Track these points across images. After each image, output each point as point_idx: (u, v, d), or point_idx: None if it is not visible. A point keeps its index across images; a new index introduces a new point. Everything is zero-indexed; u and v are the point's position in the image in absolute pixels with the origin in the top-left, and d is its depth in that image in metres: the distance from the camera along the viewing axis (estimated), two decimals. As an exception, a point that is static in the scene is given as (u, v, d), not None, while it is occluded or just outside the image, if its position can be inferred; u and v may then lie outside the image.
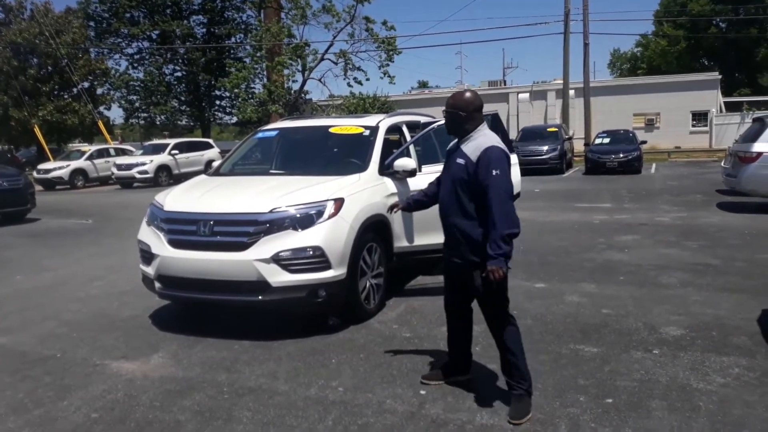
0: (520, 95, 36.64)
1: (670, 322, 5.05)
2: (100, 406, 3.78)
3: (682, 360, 4.23)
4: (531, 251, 8.04)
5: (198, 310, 5.64)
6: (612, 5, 65.84)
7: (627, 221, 10.56)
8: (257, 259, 4.64)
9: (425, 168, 5.82)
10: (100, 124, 32.24)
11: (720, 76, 34.23)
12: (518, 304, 5.68)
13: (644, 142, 22.30)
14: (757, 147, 10.76)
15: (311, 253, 4.71)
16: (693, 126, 33.93)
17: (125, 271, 7.68)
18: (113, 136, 35.66)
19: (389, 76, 32.80)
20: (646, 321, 5.08)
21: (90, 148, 27.21)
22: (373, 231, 5.27)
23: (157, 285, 5.08)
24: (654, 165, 23.87)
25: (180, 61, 37.64)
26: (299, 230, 4.74)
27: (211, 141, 28.33)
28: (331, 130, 6.22)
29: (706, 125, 33.57)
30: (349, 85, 32.88)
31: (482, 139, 3.48)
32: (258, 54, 33.70)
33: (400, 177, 5.66)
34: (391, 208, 4.42)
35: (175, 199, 5.25)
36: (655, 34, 49.34)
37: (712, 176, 18.89)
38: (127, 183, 23.62)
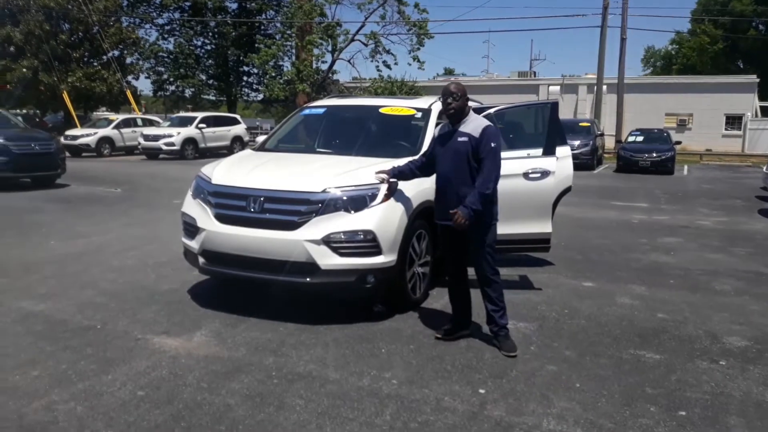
0: (551, 87, 36.04)
1: (732, 331, 4.81)
2: (145, 383, 3.64)
3: (752, 374, 4.00)
4: (571, 247, 7.81)
5: (239, 288, 5.48)
6: (648, 1, 64.31)
7: (667, 222, 10.26)
8: (307, 240, 4.47)
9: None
10: (128, 93, 32.19)
11: (758, 80, 33.36)
12: (568, 302, 5.49)
13: (679, 143, 21.81)
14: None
15: (363, 237, 4.52)
16: (726, 129, 33.20)
17: (159, 243, 7.58)
18: (139, 106, 35.65)
19: (419, 61, 32.46)
20: (706, 329, 4.85)
21: (117, 117, 27.17)
22: (423, 218, 5.06)
23: (201, 260, 4.92)
24: (686, 167, 23.38)
25: (210, 34, 37.46)
26: (352, 212, 4.55)
27: (238, 117, 28.18)
28: (381, 110, 6.00)
29: (739, 129, 32.82)
30: (377, 68, 32.62)
31: (479, 120, 4.30)
32: (288, 31, 33.46)
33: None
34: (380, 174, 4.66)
35: (223, 173, 5.07)
36: (691, 33, 48.23)
37: (749, 181, 18.48)
38: (153, 154, 23.57)
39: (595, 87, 29.13)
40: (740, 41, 44.63)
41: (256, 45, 34.32)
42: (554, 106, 5.83)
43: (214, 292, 5.54)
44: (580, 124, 23.55)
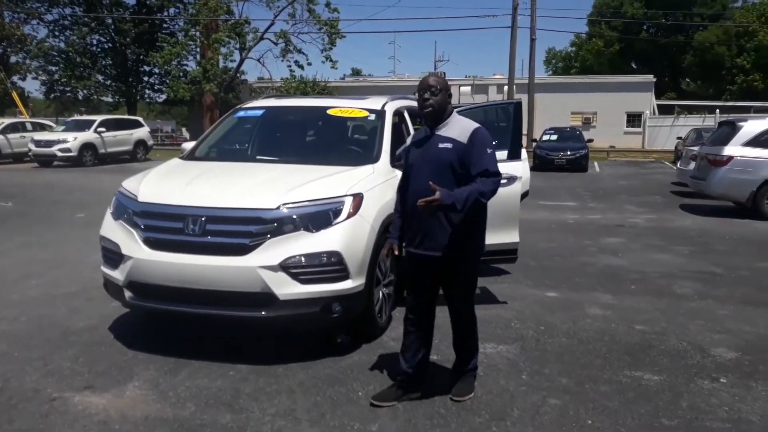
0: (462, 88, 36.33)
1: (715, 342, 4.57)
2: (70, 463, 2.84)
3: (758, 392, 3.72)
4: (521, 252, 7.43)
5: (172, 322, 4.66)
6: (550, 3, 66.88)
7: (601, 222, 10.24)
8: (262, 266, 3.77)
9: None
10: (14, 95, 29.47)
11: (654, 79, 35.24)
12: (540, 317, 5.09)
13: (591, 140, 22.43)
14: (729, 150, 10.66)
15: (327, 259, 3.88)
16: (627, 126, 34.81)
17: (66, 267, 6.56)
18: (27, 109, 32.70)
19: (331, 61, 31.87)
20: (689, 341, 4.58)
21: (2, 121, 24.69)
22: (388, 232, 4.48)
23: (128, 294, 4.09)
24: (596, 163, 24.11)
25: (107, 31, 34.97)
26: (313, 231, 3.89)
27: (141, 119, 26.36)
28: (329, 112, 5.35)
29: (639, 126, 34.50)
30: (289, 68, 31.72)
31: (464, 121, 3.44)
32: (193, 29, 31.85)
33: (415, 170, 4.90)
34: (394, 250, 3.56)
35: (151, 188, 4.25)
36: (588, 35, 50.45)
37: (658, 177, 19.26)
38: (46, 161, 21.52)
39: (506, 87, 29.59)
40: (633, 43, 47.16)
41: (158, 43, 32.41)
42: (518, 105, 5.42)
43: (142, 327, 4.70)
44: (499, 124, 23.66)
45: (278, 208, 3.88)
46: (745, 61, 43.05)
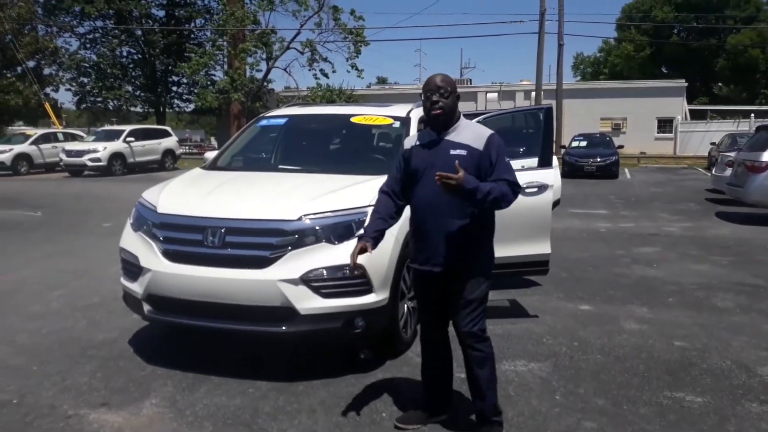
0: (489, 95, 36.09)
1: (761, 360, 4.30)
2: (81, 487, 2.73)
3: (812, 416, 3.45)
4: (552, 263, 7.19)
5: (191, 335, 4.55)
6: (578, 7, 66.27)
7: (634, 231, 9.92)
8: (283, 279, 3.63)
9: None
10: (47, 106, 30.00)
11: (686, 84, 34.51)
12: (573, 331, 4.87)
13: (621, 147, 22.00)
14: (767, 156, 10.27)
15: (350, 272, 3.72)
16: (658, 132, 34.12)
17: (89, 278, 6.52)
18: (60, 119, 33.34)
19: (357, 69, 31.86)
20: (733, 359, 4.31)
21: (35, 132, 25.17)
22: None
23: (147, 307, 3.99)
24: (626, 170, 23.62)
25: (137, 43, 35.52)
26: (335, 243, 3.75)
27: (168, 129, 26.68)
28: (353, 119, 5.21)
29: (671, 132, 33.78)
30: (315, 77, 31.78)
31: (475, 126, 3.21)
32: (221, 40, 32.16)
33: (440, 179, 4.73)
34: (361, 252, 3.09)
35: (171, 199, 4.16)
36: (618, 40, 49.73)
37: (691, 183, 18.76)
38: (77, 171, 21.87)
39: (533, 93, 29.27)
40: (663, 47, 46.36)
41: (186, 54, 32.79)
42: (548, 111, 5.22)
43: (162, 341, 4.61)
44: (527, 130, 23.38)
45: (299, 219, 3.75)
46: (779, 64, 42.03)
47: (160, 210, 4.04)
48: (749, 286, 6.33)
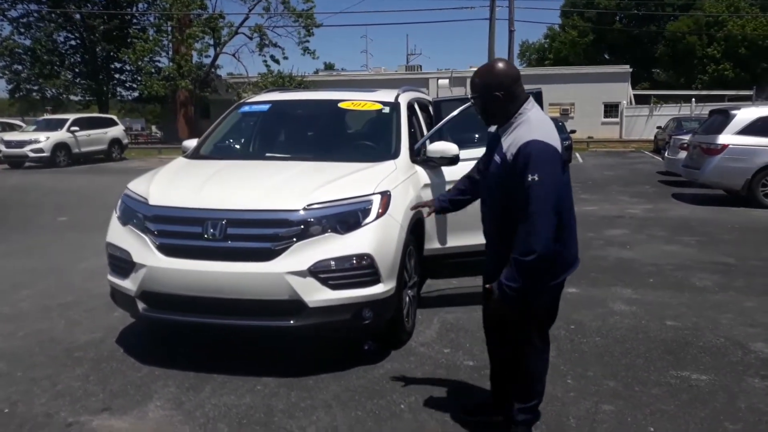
0: (440, 81, 36.16)
1: (750, 336, 4.43)
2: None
3: (813, 390, 3.57)
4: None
5: (183, 331, 4.35)
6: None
7: (599, 213, 10.11)
8: (290, 272, 3.50)
9: (462, 152, 4.73)
10: (-20, 95, 28.45)
11: (631, 70, 35.45)
12: (565, 313, 4.85)
13: (573, 131, 22.44)
14: (723, 139, 10.64)
15: (358, 263, 3.62)
16: (605, 117, 35.00)
17: (56, 276, 6.17)
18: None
19: (310, 52, 31.50)
20: (726, 336, 4.44)
21: (-31, 122, 23.84)
22: (413, 232, 4.24)
23: (141, 305, 3.78)
24: (577, 154, 24.12)
25: (75, 28, 33.93)
26: (342, 233, 3.63)
27: (115, 117, 25.66)
28: (340, 105, 5.07)
29: (616, 116, 34.71)
30: (265, 63, 31.24)
31: (522, 129, 2.63)
32: (166, 25, 31.13)
33: (435, 165, 4.67)
34: (419, 208, 3.40)
35: (163, 190, 3.94)
36: (562, 27, 50.67)
37: (642, 166, 19.35)
38: (17, 162, 20.77)
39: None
40: (606, 34, 47.49)
41: (130, 40, 31.58)
42: (538, 96, 5.18)
43: (152, 339, 4.39)
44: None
45: (304, 209, 3.61)
46: (715, 50, 43.62)
47: (152, 202, 3.82)
48: (722, 265, 6.54)
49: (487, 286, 2.70)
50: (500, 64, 2.79)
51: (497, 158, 2.69)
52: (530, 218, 2.50)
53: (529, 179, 2.48)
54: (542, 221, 2.50)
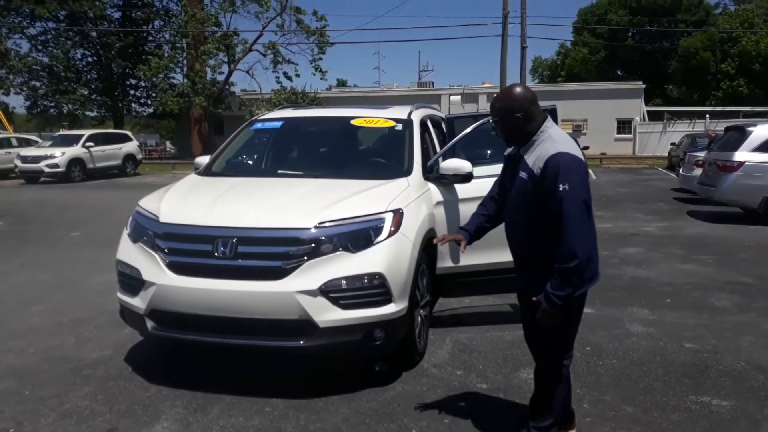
0: (452, 97, 36.24)
1: (773, 359, 4.31)
2: None
3: (839, 417, 3.45)
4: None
5: (189, 349, 4.31)
6: (537, 11, 67.37)
7: (614, 231, 9.99)
8: (300, 291, 3.45)
9: (476, 170, 4.66)
10: (-2, 110, 28.88)
11: (644, 86, 35.32)
12: (581, 335, 4.62)
13: (587, 148, 22.29)
14: (739, 156, 10.50)
15: (370, 282, 3.57)
16: (618, 133, 34.85)
17: (68, 291, 6.17)
18: (11, 124, 32.06)
19: (321, 71, 31.69)
20: (746, 359, 4.32)
21: (-14, 138, 24.13)
22: (424, 250, 4.18)
23: (150, 323, 3.75)
24: (591, 171, 23.96)
25: (91, 45, 34.42)
26: (354, 252, 3.58)
27: (129, 133, 25.90)
28: (353, 122, 5.05)
29: (629, 132, 34.55)
30: (277, 80, 31.47)
31: (546, 144, 2.73)
32: (181, 41, 31.49)
33: (448, 182, 4.61)
34: (449, 241, 3.27)
35: (174, 207, 3.92)
36: (574, 43, 50.67)
37: (656, 183, 19.19)
38: (33, 177, 21.00)
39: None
40: (618, 50, 47.43)
41: (145, 56, 31.96)
42: (553, 113, 5.13)
43: (160, 358, 4.35)
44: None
45: (316, 227, 3.57)
46: (729, 66, 43.39)
47: (163, 219, 3.80)
48: (740, 285, 6.41)
49: (534, 298, 2.70)
50: (518, 89, 2.88)
51: (523, 175, 2.75)
52: (566, 226, 2.57)
53: (561, 189, 2.56)
54: (579, 226, 2.58)
